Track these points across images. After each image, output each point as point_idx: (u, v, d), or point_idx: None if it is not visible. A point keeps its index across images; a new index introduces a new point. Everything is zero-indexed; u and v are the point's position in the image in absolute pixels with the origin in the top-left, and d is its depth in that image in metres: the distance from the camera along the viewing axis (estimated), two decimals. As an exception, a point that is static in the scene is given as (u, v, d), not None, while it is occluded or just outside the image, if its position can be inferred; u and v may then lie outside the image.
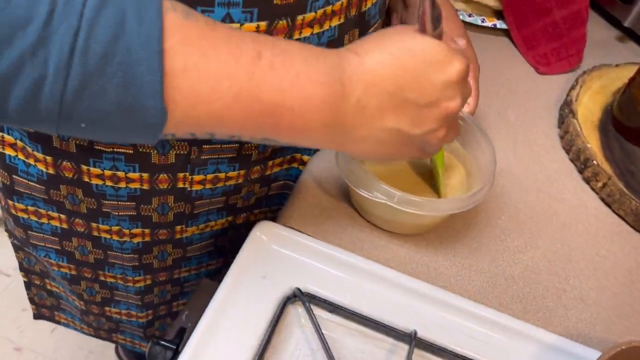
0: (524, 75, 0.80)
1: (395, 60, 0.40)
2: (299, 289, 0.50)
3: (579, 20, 0.82)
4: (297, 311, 0.51)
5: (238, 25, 0.45)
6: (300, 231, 0.56)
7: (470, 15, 0.84)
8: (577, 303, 0.56)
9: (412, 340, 0.49)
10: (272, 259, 0.53)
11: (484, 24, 0.84)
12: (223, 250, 0.70)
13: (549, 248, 0.60)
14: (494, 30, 0.86)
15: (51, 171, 0.55)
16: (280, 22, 0.46)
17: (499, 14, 0.85)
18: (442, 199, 0.52)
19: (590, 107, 0.73)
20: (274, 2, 0.45)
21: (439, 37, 0.42)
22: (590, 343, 0.53)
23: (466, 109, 0.60)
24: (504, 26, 0.84)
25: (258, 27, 0.46)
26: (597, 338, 0.53)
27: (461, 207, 0.52)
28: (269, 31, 0.46)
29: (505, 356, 0.50)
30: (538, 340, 0.51)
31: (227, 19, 0.44)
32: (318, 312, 0.50)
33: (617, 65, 0.80)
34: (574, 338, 0.53)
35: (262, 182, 0.63)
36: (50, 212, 0.61)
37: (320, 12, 0.49)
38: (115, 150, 0.53)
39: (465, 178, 0.60)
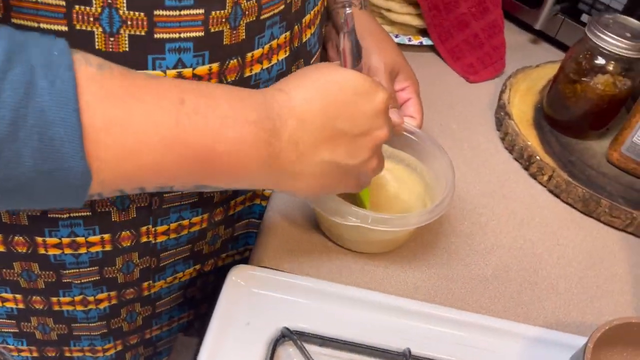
0: (456, 86, 0.85)
1: (323, 93, 0.41)
2: (287, 329, 0.49)
3: (496, 28, 0.87)
4: (287, 351, 0.50)
5: (190, 69, 0.44)
6: (276, 269, 0.55)
7: (397, 36, 0.88)
8: (550, 293, 0.58)
9: (408, 358, 0.49)
10: (253, 303, 0.52)
11: (411, 43, 0.87)
12: (193, 301, 0.67)
13: (513, 245, 0.62)
14: (420, 47, 0.90)
15: (1, 249, 0.52)
16: (231, 61, 0.47)
17: (423, 32, 0.89)
18: (410, 214, 0.53)
19: (522, 107, 0.77)
20: (224, 42, 0.45)
21: (360, 70, 0.45)
22: (569, 329, 0.55)
23: (413, 122, 0.62)
24: (429, 42, 0.88)
25: (210, 69, 0.45)
26: (575, 323, 0.56)
27: (429, 219, 0.53)
28: (222, 71, 0.46)
29: (495, 356, 0.51)
30: (522, 336, 0.53)
31: (180, 64, 0.43)
32: (309, 347, 0.50)
33: (537, 66, 0.86)
34: (553, 327, 0.55)
35: (226, 223, 0.62)
36: (3, 294, 0.56)
37: (267, 47, 0.49)
38: (71, 215, 0.50)
39: (425, 191, 0.61)
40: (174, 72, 0.44)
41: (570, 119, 0.73)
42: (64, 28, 0.38)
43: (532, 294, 0.58)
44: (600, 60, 0.67)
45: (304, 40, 0.55)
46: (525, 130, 0.74)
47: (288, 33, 0.51)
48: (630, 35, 0.66)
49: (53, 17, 0.37)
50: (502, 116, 0.76)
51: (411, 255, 0.59)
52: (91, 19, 0.38)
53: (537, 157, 0.69)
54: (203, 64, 0.45)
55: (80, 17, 0.38)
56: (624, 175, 0.69)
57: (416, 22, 0.87)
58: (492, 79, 0.87)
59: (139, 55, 0.41)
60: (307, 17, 0.54)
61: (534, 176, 0.71)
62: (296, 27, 0.53)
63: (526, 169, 0.72)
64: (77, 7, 0.37)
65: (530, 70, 0.85)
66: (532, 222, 0.66)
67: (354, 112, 0.42)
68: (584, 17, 0.90)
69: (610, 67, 0.67)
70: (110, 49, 0.40)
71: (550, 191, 0.69)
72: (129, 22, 0.39)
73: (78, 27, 0.38)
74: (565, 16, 0.92)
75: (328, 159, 0.42)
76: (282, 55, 0.52)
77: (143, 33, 0.40)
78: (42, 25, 0.38)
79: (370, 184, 0.54)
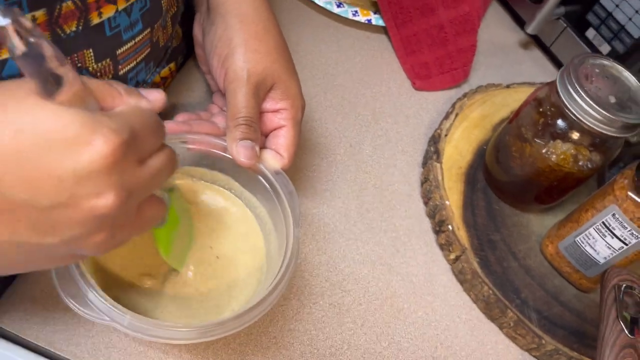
0: (396, 90, 0.65)
1: None
2: None
3: (467, 24, 0.66)
4: None
5: None
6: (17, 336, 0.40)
7: (340, 5, 0.67)
8: None
9: None
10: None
11: (355, 18, 0.67)
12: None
13: (394, 340, 0.47)
14: (367, 26, 0.69)
15: None
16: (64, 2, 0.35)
17: (376, 7, 0.68)
18: (196, 324, 0.37)
19: (461, 146, 0.59)
20: None
21: (77, 100, 0.27)
22: None
23: (278, 162, 0.44)
24: (380, 23, 0.67)
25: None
26: None
27: (238, 326, 0.37)
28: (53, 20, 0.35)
29: None
30: None
31: None
32: None
33: (508, 86, 0.66)
34: None
35: None
36: None
37: None
38: None
39: (265, 256, 0.45)
40: None
41: (509, 181, 0.54)
42: (148, 50, 0.38)
43: None
44: (562, 124, 0.48)
45: None
46: (452, 180, 0.56)
47: None
48: (615, 102, 0.46)
49: (144, 46, 0.37)
50: (430, 152, 0.58)
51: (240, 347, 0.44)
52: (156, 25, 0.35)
53: (450, 227, 0.52)
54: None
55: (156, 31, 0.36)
56: (552, 277, 0.52)
57: (367, -8, 0.66)
58: (445, 89, 0.67)
59: None
60: None
61: (441, 247, 0.54)
62: None
63: (436, 233, 0.55)
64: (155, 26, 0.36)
65: (497, 90, 0.65)
66: (413, 315, 0.50)
67: (38, 175, 0.26)
68: (590, 33, 0.68)
69: (575, 137, 0.48)
70: None
71: (454, 274, 0.53)
72: (98, 74, 0.39)
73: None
74: (567, 23, 0.70)
75: (3, 239, 0.27)
76: None
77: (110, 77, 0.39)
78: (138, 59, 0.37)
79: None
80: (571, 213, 0.51)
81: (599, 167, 0.49)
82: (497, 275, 0.51)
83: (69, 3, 0.34)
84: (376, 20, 0.67)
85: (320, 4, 0.66)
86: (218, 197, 0.47)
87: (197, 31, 0.49)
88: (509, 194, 0.55)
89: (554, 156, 0.49)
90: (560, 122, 0.48)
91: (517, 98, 0.65)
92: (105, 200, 0.27)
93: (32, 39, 0.24)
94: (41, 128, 0.25)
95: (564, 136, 0.48)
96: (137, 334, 0.35)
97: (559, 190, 0.52)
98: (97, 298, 0.35)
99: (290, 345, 0.45)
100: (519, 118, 0.52)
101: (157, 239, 0.41)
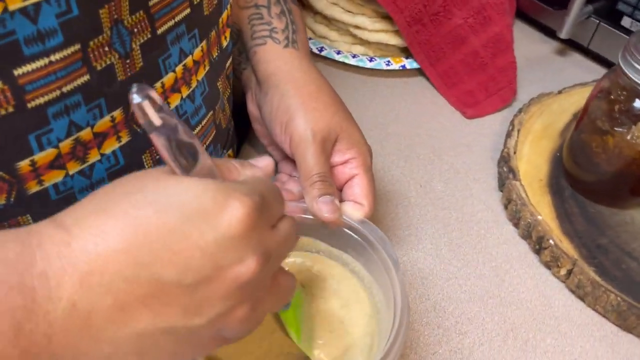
0: (449, 124, 0.64)
1: (131, 225, 0.25)
2: None
3: (502, 43, 0.66)
4: None
5: (191, 57, 0.38)
6: None
7: (371, 60, 0.67)
8: None
9: None
10: None
11: (389, 67, 0.67)
12: None
13: (510, 386, 0.43)
14: (403, 72, 0.69)
15: None
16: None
17: (406, 51, 0.69)
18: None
19: (534, 159, 0.56)
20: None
21: (205, 173, 0.28)
22: None
23: (359, 212, 0.43)
24: (414, 65, 0.67)
25: (202, 49, 0.39)
26: None
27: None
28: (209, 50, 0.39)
29: None
30: None
31: (182, 55, 0.38)
32: None
33: (560, 92, 0.64)
34: None
35: None
36: None
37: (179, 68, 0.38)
38: None
39: (372, 315, 0.42)
40: (180, 67, 0.38)
41: (600, 180, 0.51)
42: (86, 78, 0.31)
43: None
44: (642, 104, 0.46)
45: (224, 45, 0.44)
46: (537, 195, 0.53)
47: (204, 43, 0.40)
48: (689, 66, 0.44)
49: (73, 70, 0.30)
50: (504, 172, 0.55)
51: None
52: (106, 48, 0.32)
53: (551, 241, 0.49)
54: (197, 45, 0.39)
55: (97, 53, 0.32)
56: (681, 268, 0.47)
57: (395, 41, 0.67)
58: (497, 111, 0.65)
59: (152, 66, 0.36)
60: (224, 15, 0.43)
61: (547, 265, 0.50)
62: (213, 32, 0.41)
63: (536, 252, 0.51)
64: (91, 43, 0.31)
65: (550, 99, 0.63)
66: (541, 344, 0.45)
67: (182, 249, 0.25)
68: (626, 21, 0.67)
69: (658, 114, 0.45)
70: (129, 74, 0.34)
71: (572, 291, 0.49)
72: (135, 30, 0.33)
73: (98, 66, 0.32)
74: (599, 19, 0.69)
75: (150, 326, 0.26)
76: (202, 74, 0.41)
77: (149, 35, 0.34)
78: (63, 89, 0.30)
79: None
80: (678, 195, 0.47)
81: (693, 139, 0.46)
82: (620, 280, 0.46)
83: None
84: (410, 64, 0.68)
85: (353, 63, 0.67)
86: (314, 263, 0.45)
87: (251, 107, 0.50)
88: (602, 194, 0.52)
89: (642, 139, 0.46)
90: (637, 102, 0.45)
91: (573, 101, 0.63)
92: (248, 266, 0.27)
93: (162, 114, 0.25)
94: (179, 203, 0.25)
95: (646, 116, 0.45)
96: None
97: (655, 176, 0.49)
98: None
99: (422, 404, 0.41)
100: (589, 113, 0.50)
101: (288, 323, 0.39)
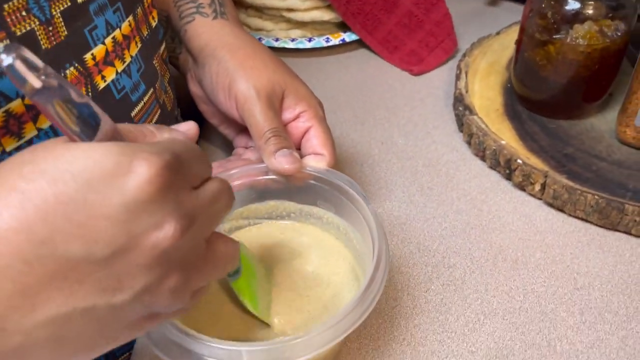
0: (399, 85, 0.64)
1: (21, 200, 0.21)
2: None
3: (433, -2, 0.67)
4: None
5: (119, 31, 0.37)
6: None
7: (310, 40, 0.68)
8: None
9: None
10: None
11: (330, 44, 0.67)
12: None
13: (509, 306, 0.41)
14: (344, 45, 0.69)
15: None
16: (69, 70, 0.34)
17: (343, 26, 0.69)
18: (314, 330, 0.32)
19: (486, 93, 0.56)
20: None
21: (109, 139, 0.24)
22: None
23: (322, 162, 0.42)
24: (354, 37, 0.68)
25: (130, 23, 0.38)
26: None
27: (352, 324, 0.32)
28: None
29: None
30: None
31: (109, 27, 0.36)
32: None
33: (498, 33, 0.65)
34: None
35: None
36: None
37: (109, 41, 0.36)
38: None
39: (355, 259, 0.41)
40: (109, 40, 0.37)
41: (552, 95, 0.51)
42: (6, 43, 0.30)
43: (553, 386, 0.37)
44: (573, 4, 0.46)
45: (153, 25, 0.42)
46: (496, 123, 0.53)
47: (131, 18, 0.39)
48: (607, -42, 0.45)
49: None
50: (461, 112, 0.55)
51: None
52: (23, 12, 0.31)
53: (519, 161, 0.48)
54: (123, 20, 0.37)
55: (14, 17, 0.31)
56: (649, 158, 0.47)
57: (329, 15, 0.67)
58: (443, 63, 0.66)
59: (78, 35, 0.35)
60: None
61: (521, 187, 0.49)
62: (139, 9, 0.40)
63: (508, 178, 0.50)
64: (6, 6, 0.30)
65: (490, 40, 0.64)
66: (531, 259, 0.44)
67: (87, 219, 0.22)
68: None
69: (590, 10, 0.46)
70: (55, 42, 0.33)
71: (549, 204, 0.48)
72: None
73: (18, 32, 0.31)
74: (520, -39, 0.71)
75: (64, 310, 0.22)
76: (135, 50, 0.39)
77: (69, 3, 0.33)
78: None
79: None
80: (629, 89, 0.47)
81: (627, 31, 0.47)
82: (593, 181, 0.46)
83: (72, 70, 0.34)
84: (349, 37, 0.68)
85: (292, 46, 0.67)
86: (281, 230, 0.44)
87: (193, 88, 0.49)
88: (557, 108, 0.52)
89: (581, 39, 0.46)
90: (569, 3, 0.46)
91: (512, 38, 0.63)
92: (166, 231, 0.23)
93: (42, 77, 0.22)
94: (77, 169, 0.22)
95: (579, 16, 0.46)
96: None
97: (602, 77, 0.49)
98: (206, 345, 0.31)
99: (425, 341, 0.39)
100: (526, 30, 0.50)
101: (241, 292, 0.37)
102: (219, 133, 0.51)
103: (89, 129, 0.23)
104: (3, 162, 0.23)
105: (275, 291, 0.40)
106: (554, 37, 0.47)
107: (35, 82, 0.21)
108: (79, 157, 0.22)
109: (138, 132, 0.27)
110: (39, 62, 0.21)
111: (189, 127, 0.30)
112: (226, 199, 0.28)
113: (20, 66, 0.21)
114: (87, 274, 0.22)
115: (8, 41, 0.30)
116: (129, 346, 0.46)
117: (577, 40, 0.46)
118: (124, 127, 0.26)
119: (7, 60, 0.21)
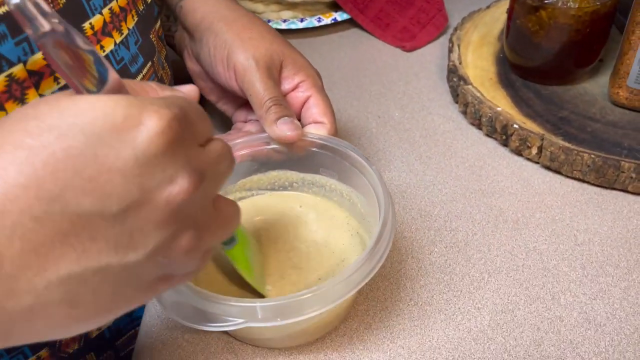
0: (392, 61, 0.64)
1: (29, 155, 0.21)
2: None
3: (423, -25, 0.67)
4: None
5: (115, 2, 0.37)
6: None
7: (302, 20, 0.68)
8: (583, 330, 0.38)
9: None
10: None
11: (322, 23, 0.68)
12: None
13: (512, 265, 0.42)
14: (337, 25, 0.70)
15: None
16: None
17: (334, 6, 0.70)
18: (327, 282, 0.33)
19: (479, 63, 0.57)
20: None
21: (115, 91, 0.24)
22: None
23: (322, 129, 0.42)
24: (345, 16, 0.68)
25: None
26: None
27: (361, 280, 0.33)
28: None
29: None
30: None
31: None
32: None
33: (488, 7, 0.66)
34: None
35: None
36: None
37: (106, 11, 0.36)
38: None
39: (360, 224, 0.41)
40: (107, 11, 0.37)
41: (545, 61, 0.52)
42: (6, 7, 0.29)
43: (558, 339, 0.37)
44: (562, -32, 0.47)
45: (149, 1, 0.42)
46: (490, 91, 0.53)
47: None
48: None
49: None
50: (455, 83, 0.56)
51: (363, 330, 0.39)
52: None
53: (515, 125, 0.49)
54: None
55: None
56: (641, 117, 0.48)
57: (320, -5, 0.67)
58: (435, 39, 0.67)
59: (76, 4, 0.35)
60: None
61: (517, 152, 0.50)
62: None
63: (504, 144, 0.51)
64: None
65: (480, 14, 0.65)
66: (531, 220, 0.45)
67: (98, 174, 0.21)
68: None
69: (580, -26, 0.47)
70: (54, 7, 0.33)
71: (546, 167, 0.49)
72: None
73: None
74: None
75: (77, 269, 0.22)
76: (131, 23, 0.39)
77: None
78: None
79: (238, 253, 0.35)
80: (619, 50, 0.48)
81: (618, -6, 0.47)
82: (588, 141, 0.47)
83: None
84: (340, 16, 0.68)
85: (284, 27, 0.67)
86: (284, 200, 0.44)
87: (190, 65, 0.49)
88: (551, 74, 0.53)
89: (571, 2, 0.47)
90: (558, -31, 0.47)
91: (502, 11, 0.64)
92: (180, 185, 0.23)
93: (55, 20, 0.22)
94: (85, 122, 0.21)
95: (569, -20, 0.47)
96: (277, 320, 0.31)
97: (593, 40, 0.50)
98: (220, 304, 0.31)
99: (432, 300, 0.40)
100: (518, -2, 0.51)
101: (236, 260, 0.37)
102: (217, 111, 0.52)
103: (95, 79, 0.23)
104: (4, 118, 0.23)
105: (280, 260, 0.40)
106: (545, 2, 0.48)
107: (44, 23, 0.21)
108: (86, 110, 0.22)
109: (141, 88, 0.27)
110: (47, 7, 0.21)
111: (190, 89, 0.31)
112: (229, 161, 0.28)
113: (30, 7, 0.21)
114: (99, 231, 0.22)
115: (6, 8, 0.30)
116: (137, 322, 0.47)
117: (569, 4, 0.47)
118: (128, 82, 0.26)
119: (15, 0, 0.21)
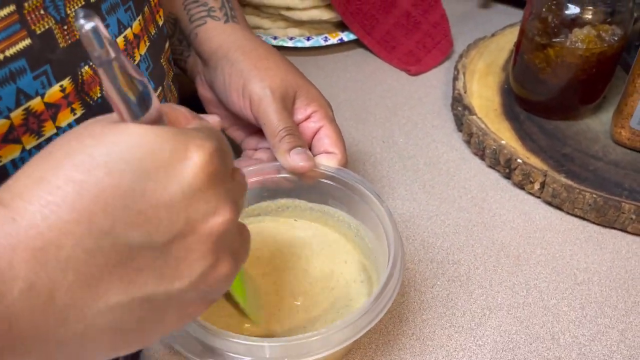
0: (397, 84, 0.65)
1: (80, 191, 0.22)
2: None
3: (431, 0, 0.68)
4: None
5: (130, 30, 0.38)
6: None
7: (308, 39, 0.68)
8: (583, 369, 0.39)
9: None
10: None
11: (328, 43, 0.68)
12: None
13: (513, 301, 0.43)
14: (342, 45, 0.70)
15: None
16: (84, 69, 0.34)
17: (341, 26, 0.70)
18: (340, 322, 0.33)
19: (484, 93, 0.58)
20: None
21: (156, 119, 0.25)
22: None
23: (332, 160, 0.42)
24: (352, 37, 0.69)
25: (140, 22, 0.39)
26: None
27: (369, 323, 0.33)
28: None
29: None
30: None
31: (121, 26, 0.37)
32: None
33: (494, 35, 0.67)
34: None
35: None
36: None
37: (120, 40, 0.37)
38: None
39: (367, 259, 0.41)
40: (121, 39, 0.37)
41: (550, 97, 0.53)
42: (27, 42, 0.30)
43: (558, 377, 0.38)
44: (573, 9, 0.48)
45: (160, 24, 0.42)
46: (495, 123, 0.54)
47: (140, 18, 0.39)
48: (606, -35, 0.46)
49: (13, 32, 0.29)
50: (460, 112, 0.56)
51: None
52: (41, 11, 0.31)
53: (519, 160, 0.50)
54: (134, 19, 0.38)
55: (33, 16, 0.30)
56: (642, 158, 0.49)
57: (328, 15, 0.68)
58: (440, 64, 0.67)
59: None
60: None
61: (520, 185, 0.51)
62: (146, 8, 0.40)
63: (507, 177, 0.52)
64: (26, 4, 0.30)
65: (486, 41, 0.65)
66: (532, 256, 0.46)
67: (147, 207, 0.22)
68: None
69: (589, 15, 0.48)
70: (70, 42, 0.33)
71: (548, 203, 0.50)
72: None
73: (38, 30, 0.31)
74: (513, -35, 0.72)
75: (125, 299, 0.23)
76: (144, 49, 0.39)
77: (82, 1, 0.33)
78: (6, 53, 0.29)
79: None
80: (624, 91, 0.49)
81: (624, 37, 0.48)
82: (590, 180, 0.48)
83: (87, 68, 0.34)
84: (347, 36, 0.69)
85: (291, 44, 0.68)
86: (290, 227, 0.44)
87: (203, 92, 0.49)
88: (555, 109, 0.54)
89: (579, 43, 0.48)
90: (568, 9, 0.48)
91: (508, 40, 0.65)
92: (223, 215, 0.25)
93: (116, 47, 0.22)
94: (132, 157, 0.22)
95: (578, 21, 0.48)
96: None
97: (599, 79, 0.51)
98: (229, 341, 0.31)
99: (434, 335, 0.40)
100: (527, 33, 0.52)
101: (232, 286, 0.37)
102: (226, 137, 0.52)
103: (141, 106, 0.24)
104: (46, 151, 0.23)
105: (282, 290, 0.40)
106: (554, 40, 0.49)
107: (110, 50, 0.22)
108: (133, 147, 0.22)
109: (174, 114, 0.28)
110: (107, 32, 0.22)
111: (215, 120, 0.32)
112: (245, 190, 0.29)
113: (102, 31, 0.21)
114: (146, 262, 0.23)
115: (30, 41, 0.30)
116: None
117: (577, 44, 0.48)
118: (164, 107, 0.27)
119: (88, 25, 0.21)
